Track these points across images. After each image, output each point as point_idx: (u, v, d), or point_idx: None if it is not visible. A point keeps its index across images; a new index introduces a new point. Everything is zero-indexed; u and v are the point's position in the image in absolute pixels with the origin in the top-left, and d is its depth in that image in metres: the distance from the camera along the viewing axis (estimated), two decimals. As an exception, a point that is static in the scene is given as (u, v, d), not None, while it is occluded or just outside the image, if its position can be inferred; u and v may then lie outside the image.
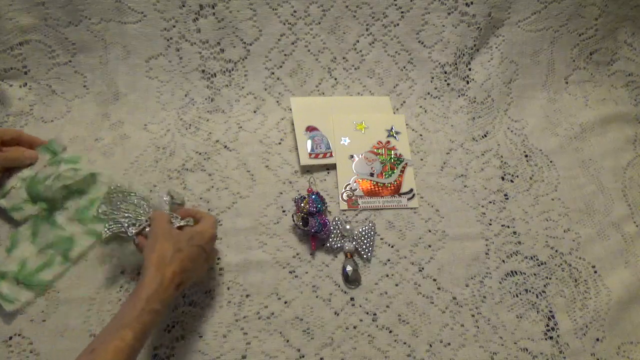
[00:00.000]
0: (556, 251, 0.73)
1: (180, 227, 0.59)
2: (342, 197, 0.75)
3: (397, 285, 0.68)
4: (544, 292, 0.69)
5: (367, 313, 0.65)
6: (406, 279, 0.68)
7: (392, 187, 0.76)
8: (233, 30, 0.80)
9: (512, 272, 0.70)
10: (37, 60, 0.77)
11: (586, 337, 0.66)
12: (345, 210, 0.74)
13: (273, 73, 0.83)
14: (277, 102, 0.83)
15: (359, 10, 0.82)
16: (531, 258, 0.72)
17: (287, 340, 0.62)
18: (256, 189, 0.74)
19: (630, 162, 0.84)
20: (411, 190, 0.76)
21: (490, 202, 0.77)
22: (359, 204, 0.74)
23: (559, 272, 0.71)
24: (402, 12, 0.83)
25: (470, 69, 0.87)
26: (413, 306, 0.66)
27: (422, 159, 0.80)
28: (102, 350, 0.44)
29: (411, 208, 0.75)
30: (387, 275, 0.69)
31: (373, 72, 0.86)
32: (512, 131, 0.85)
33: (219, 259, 0.67)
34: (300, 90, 0.84)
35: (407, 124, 0.83)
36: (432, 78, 0.86)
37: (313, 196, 0.71)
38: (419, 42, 0.85)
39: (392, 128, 0.82)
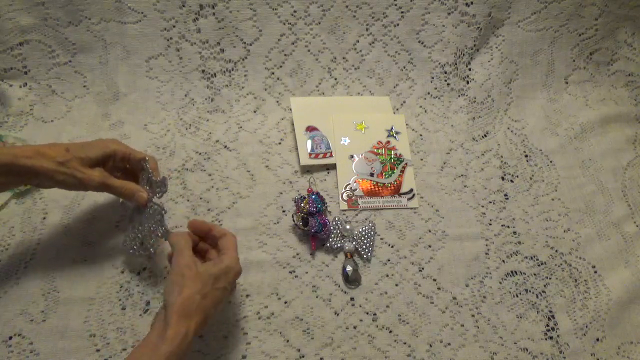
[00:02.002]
0: (556, 251, 0.73)
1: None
2: (342, 197, 0.75)
3: (397, 285, 0.68)
4: (544, 292, 0.69)
5: (367, 313, 0.65)
6: (406, 279, 0.68)
7: (392, 187, 0.76)
8: (233, 30, 0.80)
9: (512, 272, 0.70)
10: (37, 60, 0.77)
11: (586, 337, 0.66)
12: (345, 210, 0.74)
13: (273, 73, 0.83)
14: (277, 102, 0.83)
15: (359, 10, 0.82)
16: (531, 258, 0.72)
17: (287, 340, 0.62)
18: (256, 189, 0.74)
19: (630, 162, 0.84)
20: (411, 190, 0.76)
21: (490, 202, 0.77)
22: (359, 204, 0.74)
23: (559, 272, 0.71)
24: (402, 12, 0.83)
25: (470, 69, 0.87)
26: (413, 306, 0.66)
27: (422, 159, 0.80)
28: None
29: (411, 208, 0.75)
30: (387, 275, 0.69)
31: (373, 72, 0.86)
32: (512, 131, 0.85)
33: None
34: (300, 90, 0.84)
35: (407, 124, 0.83)
36: (432, 78, 0.86)
37: (313, 196, 0.71)
38: (419, 42, 0.85)
39: (392, 128, 0.82)
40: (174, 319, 0.47)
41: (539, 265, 0.71)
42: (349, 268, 0.67)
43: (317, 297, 0.66)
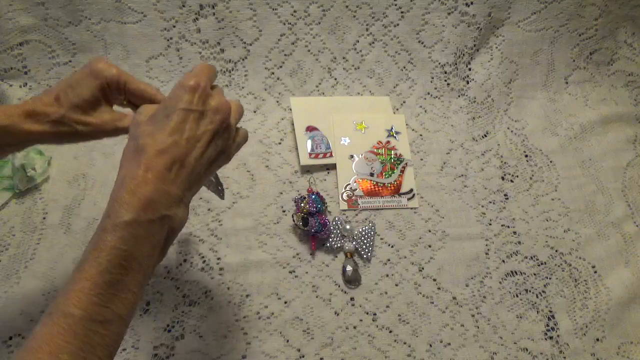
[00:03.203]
0: (556, 251, 0.73)
1: None
2: (342, 197, 0.75)
3: (397, 285, 0.68)
4: (544, 292, 0.69)
5: (367, 313, 0.65)
6: (406, 279, 0.68)
7: (392, 187, 0.76)
8: (233, 30, 0.80)
9: (512, 272, 0.70)
10: (37, 60, 0.77)
11: (586, 337, 0.66)
12: (345, 210, 0.74)
13: (273, 73, 0.83)
14: (277, 102, 0.83)
15: (359, 10, 0.82)
16: (531, 258, 0.72)
17: (287, 340, 0.62)
18: (256, 189, 0.74)
19: (630, 162, 0.84)
20: (411, 190, 0.76)
21: (490, 202, 0.77)
22: (359, 204, 0.74)
23: (559, 272, 0.71)
24: (402, 12, 0.83)
25: (470, 69, 0.87)
26: (413, 306, 0.66)
27: (422, 159, 0.80)
28: (62, 301, 0.33)
29: (411, 208, 0.75)
30: (387, 275, 0.69)
31: (373, 72, 0.86)
32: (512, 131, 0.85)
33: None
34: (300, 90, 0.84)
35: (407, 124, 0.83)
36: (432, 78, 0.86)
37: (313, 196, 0.71)
38: (419, 42, 0.85)
39: (392, 128, 0.82)
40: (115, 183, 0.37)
41: (539, 265, 0.71)
42: (349, 268, 0.67)
43: (317, 297, 0.66)
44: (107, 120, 0.46)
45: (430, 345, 0.64)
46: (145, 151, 0.37)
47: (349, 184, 0.76)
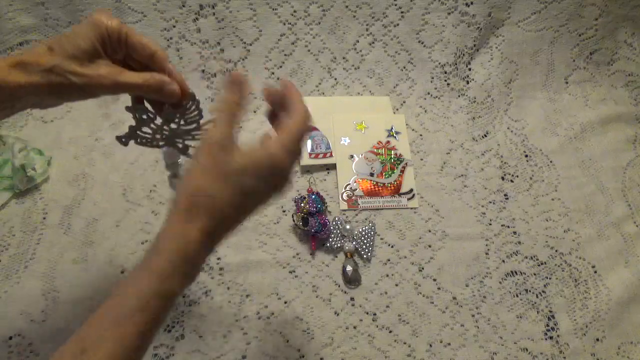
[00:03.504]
0: (556, 251, 0.73)
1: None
2: (342, 197, 0.75)
3: (397, 285, 0.68)
4: (544, 292, 0.69)
5: (367, 313, 0.65)
6: (406, 279, 0.68)
7: (392, 187, 0.76)
8: (233, 30, 0.80)
9: (512, 272, 0.71)
10: (37, 60, 0.77)
11: (586, 337, 0.66)
12: (345, 210, 0.74)
13: (273, 73, 0.83)
14: (277, 102, 0.83)
15: (359, 10, 0.82)
16: (531, 258, 0.72)
17: (287, 340, 0.62)
18: (256, 189, 0.74)
19: (630, 162, 0.84)
20: (411, 190, 0.76)
21: (490, 202, 0.77)
22: (359, 204, 0.74)
23: (559, 272, 0.71)
24: (402, 12, 0.83)
25: (470, 69, 0.87)
26: (413, 306, 0.66)
27: (422, 159, 0.80)
28: (93, 353, 0.32)
29: (411, 208, 0.75)
30: (387, 275, 0.69)
31: (373, 72, 0.86)
32: (512, 131, 0.85)
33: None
34: (300, 90, 0.83)
35: (407, 124, 0.83)
36: (432, 78, 0.86)
37: (313, 196, 0.71)
38: (419, 42, 0.85)
39: (392, 128, 0.82)
40: (171, 223, 0.37)
41: (539, 265, 0.71)
42: (349, 268, 0.67)
43: (317, 297, 0.66)
44: (105, 74, 0.41)
45: (430, 345, 0.64)
46: (202, 216, 0.37)
47: (349, 184, 0.76)
